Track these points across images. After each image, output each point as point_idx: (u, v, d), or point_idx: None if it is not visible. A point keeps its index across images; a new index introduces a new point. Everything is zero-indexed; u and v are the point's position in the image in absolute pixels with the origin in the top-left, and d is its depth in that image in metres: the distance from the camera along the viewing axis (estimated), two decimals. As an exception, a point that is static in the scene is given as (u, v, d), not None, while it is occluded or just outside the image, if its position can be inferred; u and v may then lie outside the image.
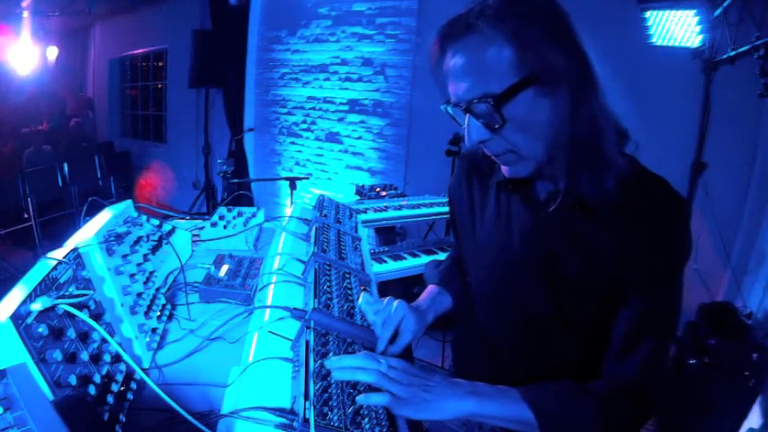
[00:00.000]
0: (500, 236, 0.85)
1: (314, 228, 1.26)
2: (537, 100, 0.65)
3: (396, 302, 0.83)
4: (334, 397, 0.68)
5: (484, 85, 0.65)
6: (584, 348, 0.79)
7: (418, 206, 2.43)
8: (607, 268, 0.73)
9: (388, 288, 2.19)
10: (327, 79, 4.66)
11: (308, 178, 4.45)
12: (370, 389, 0.69)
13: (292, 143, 5.10)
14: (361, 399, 0.66)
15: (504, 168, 0.76)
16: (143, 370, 0.85)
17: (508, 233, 0.84)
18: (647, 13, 2.60)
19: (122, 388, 0.76)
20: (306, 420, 0.61)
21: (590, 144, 0.68)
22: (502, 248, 0.85)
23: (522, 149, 0.70)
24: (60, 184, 5.49)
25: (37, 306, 0.68)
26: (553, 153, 0.70)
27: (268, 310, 0.98)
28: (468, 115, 0.69)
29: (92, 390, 0.68)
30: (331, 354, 0.77)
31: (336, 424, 0.63)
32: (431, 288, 1.03)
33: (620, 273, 0.72)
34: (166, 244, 1.27)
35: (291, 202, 3.32)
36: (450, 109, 0.73)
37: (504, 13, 0.64)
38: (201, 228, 1.63)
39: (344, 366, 0.69)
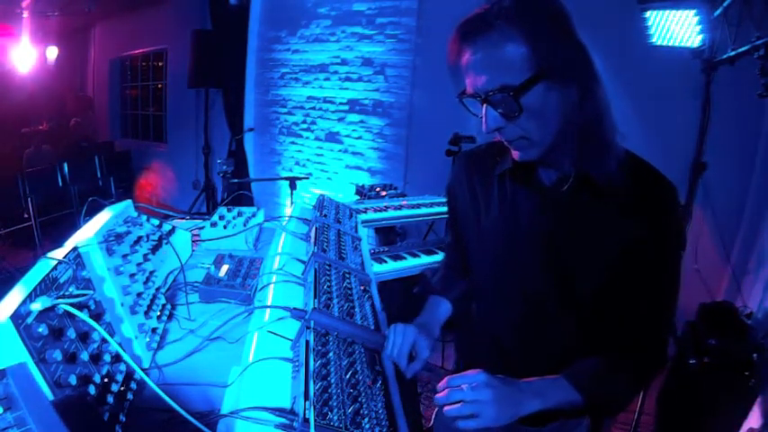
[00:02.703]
0: (506, 223, 0.90)
1: (314, 228, 1.26)
2: (548, 91, 0.72)
3: (404, 329, 0.90)
4: (334, 397, 0.68)
5: (502, 78, 0.71)
6: (584, 331, 0.85)
7: (418, 206, 2.43)
8: (611, 249, 0.79)
9: (388, 288, 2.18)
10: (327, 79, 4.66)
11: (307, 178, 4.44)
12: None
13: (292, 143, 5.10)
14: (467, 426, 0.70)
15: (514, 153, 0.82)
16: (143, 370, 0.85)
17: (514, 219, 0.89)
18: (647, 13, 2.60)
19: (122, 388, 0.76)
20: (306, 420, 0.61)
21: (594, 129, 0.75)
22: (508, 234, 0.90)
23: (534, 135, 0.76)
24: (60, 184, 5.49)
25: (37, 306, 0.68)
26: (561, 138, 0.77)
27: (268, 310, 0.98)
28: (485, 105, 0.75)
29: (92, 390, 0.68)
30: (331, 353, 0.77)
31: (336, 424, 0.63)
32: (431, 300, 1.09)
33: (626, 253, 0.78)
34: (166, 244, 1.27)
35: (291, 202, 3.32)
36: (465, 100, 0.78)
37: (519, 13, 0.70)
38: (201, 228, 1.63)
39: (444, 402, 0.72)
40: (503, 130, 0.77)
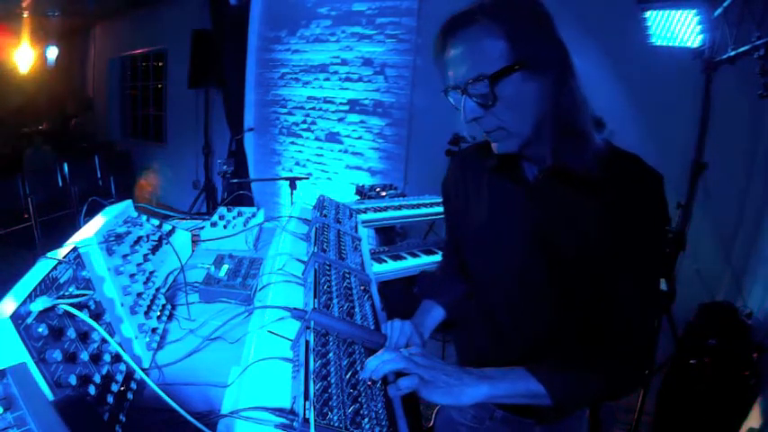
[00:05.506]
0: (495, 216, 0.93)
1: (314, 228, 1.26)
2: (524, 82, 0.75)
3: (401, 325, 0.95)
4: (334, 397, 0.68)
5: (479, 68, 0.75)
6: (581, 316, 0.86)
7: (418, 206, 2.43)
8: (594, 239, 0.80)
9: (388, 288, 2.18)
10: (327, 79, 4.66)
11: (307, 178, 4.44)
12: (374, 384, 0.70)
13: (292, 143, 5.10)
14: (391, 389, 0.72)
15: (493, 145, 0.85)
16: (143, 370, 0.85)
17: (502, 212, 0.91)
18: (647, 13, 2.60)
19: (122, 388, 0.76)
20: (306, 420, 0.61)
21: (570, 120, 0.78)
22: (497, 227, 0.92)
23: (511, 126, 0.79)
24: (60, 184, 5.50)
25: (37, 306, 0.68)
26: (538, 130, 0.79)
27: (268, 310, 0.98)
28: (464, 96, 0.78)
29: (92, 390, 0.68)
30: (331, 353, 0.77)
31: (336, 424, 0.63)
32: (424, 304, 1.12)
33: (607, 244, 0.79)
34: (166, 244, 1.27)
35: (291, 203, 3.32)
36: (450, 96, 0.81)
37: (499, 10, 0.74)
38: (201, 228, 1.63)
39: (375, 367, 0.73)
40: (481, 120, 0.80)
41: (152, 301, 1.04)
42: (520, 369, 0.77)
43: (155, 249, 1.20)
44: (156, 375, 0.90)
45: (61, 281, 0.79)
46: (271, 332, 0.91)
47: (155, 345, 0.96)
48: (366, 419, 0.67)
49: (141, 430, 0.75)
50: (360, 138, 4.52)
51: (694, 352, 2.14)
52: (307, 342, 0.76)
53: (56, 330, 0.70)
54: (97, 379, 0.71)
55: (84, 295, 0.80)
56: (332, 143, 4.74)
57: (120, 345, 0.81)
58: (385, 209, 2.29)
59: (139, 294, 1.01)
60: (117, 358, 0.80)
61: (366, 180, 4.43)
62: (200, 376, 0.89)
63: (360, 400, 0.70)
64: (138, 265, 1.08)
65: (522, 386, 0.75)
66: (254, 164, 5.45)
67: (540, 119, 0.78)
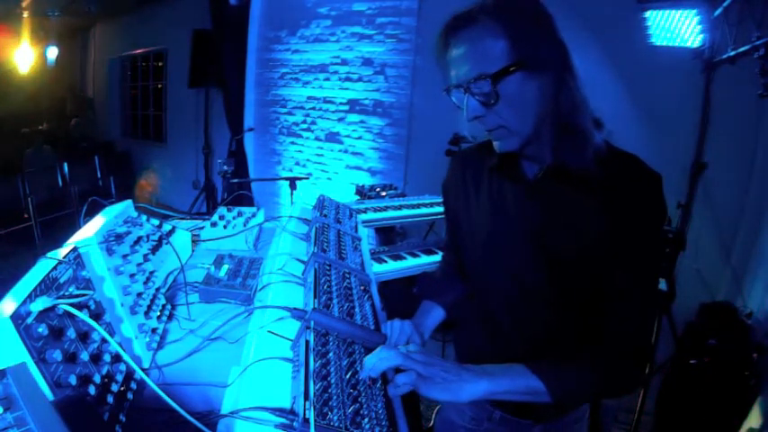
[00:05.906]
0: (494, 215, 0.93)
1: (314, 228, 1.26)
2: (525, 81, 0.76)
3: (401, 325, 0.96)
4: (334, 397, 0.68)
5: (481, 67, 0.76)
6: (579, 315, 0.86)
7: (418, 206, 2.43)
8: (593, 239, 0.81)
9: (388, 288, 2.18)
10: (327, 79, 4.66)
11: (307, 178, 4.44)
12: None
13: (292, 143, 5.10)
14: (390, 388, 0.72)
15: (495, 144, 0.85)
16: (143, 370, 0.85)
17: (502, 211, 0.92)
18: (648, 13, 2.60)
19: (122, 388, 0.76)
20: (306, 420, 0.61)
21: (570, 119, 0.79)
22: (496, 227, 0.93)
23: (512, 124, 0.80)
24: (60, 184, 5.50)
25: (37, 306, 0.68)
26: (539, 128, 0.81)
27: (268, 310, 0.98)
28: (467, 95, 0.79)
29: (92, 390, 0.68)
30: (331, 353, 0.77)
31: (336, 424, 0.63)
32: (424, 304, 1.13)
33: (606, 243, 0.80)
34: (166, 244, 1.27)
35: (292, 202, 3.32)
36: (452, 94, 0.82)
37: (500, 10, 0.76)
38: (201, 228, 1.63)
39: (372, 365, 0.73)
40: (483, 119, 0.81)
41: (152, 301, 1.04)
42: (519, 366, 0.77)
43: (155, 249, 1.20)
44: (156, 375, 0.90)
45: (61, 281, 0.79)
46: (271, 332, 0.91)
47: (155, 345, 0.96)
48: (366, 419, 0.67)
49: (141, 430, 0.75)
50: (360, 138, 4.52)
51: (694, 352, 2.13)
52: (307, 342, 0.76)
53: (56, 330, 0.70)
54: (97, 379, 0.71)
55: (84, 295, 0.80)
56: (332, 143, 4.74)
57: (120, 345, 0.81)
58: (385, 209, 2.29)
59: (139, 294, 1.01)
60: (117, 358, 0.80)
61: (366, 180, 4.43)
62: (200, 376, 0.89)
63: (360, 400, 0.70)
64: (138, 265, 1.08)
65: (522, 383, 0.75)
66: (254, 164, 5.44)
67: (541, 118, 0.79)
